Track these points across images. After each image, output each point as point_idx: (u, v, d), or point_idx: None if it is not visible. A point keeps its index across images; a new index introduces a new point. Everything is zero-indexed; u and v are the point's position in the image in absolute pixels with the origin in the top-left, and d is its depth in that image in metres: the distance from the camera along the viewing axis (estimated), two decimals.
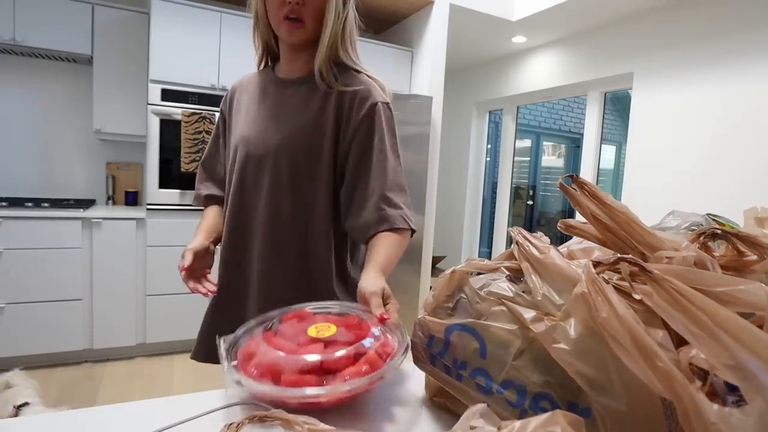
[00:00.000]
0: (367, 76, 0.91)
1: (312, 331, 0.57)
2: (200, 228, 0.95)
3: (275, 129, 0.88)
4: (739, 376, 0.30)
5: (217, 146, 1.04)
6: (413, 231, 0.87)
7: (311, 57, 0.88)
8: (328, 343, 0.55)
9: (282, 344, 0.56)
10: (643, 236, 0.48)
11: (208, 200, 1.03)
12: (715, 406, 0.29)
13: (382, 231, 0.83)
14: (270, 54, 0.97)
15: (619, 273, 0.40)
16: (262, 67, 0.99)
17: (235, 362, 0.55)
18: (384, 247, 0.80)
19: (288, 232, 0.88)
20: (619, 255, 0.40)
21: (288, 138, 0.87)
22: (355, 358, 0.53)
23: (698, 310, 0.33)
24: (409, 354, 0.59)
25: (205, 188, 1.03)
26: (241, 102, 0.97)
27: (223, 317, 0.94)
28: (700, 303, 0.33)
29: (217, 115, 1.01)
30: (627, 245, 0.49)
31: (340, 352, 0.53)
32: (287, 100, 0.90)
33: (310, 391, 0.48)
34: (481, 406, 0.38)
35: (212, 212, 1.00)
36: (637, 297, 0.37)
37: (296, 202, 0.87)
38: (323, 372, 0.51)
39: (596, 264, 0.39)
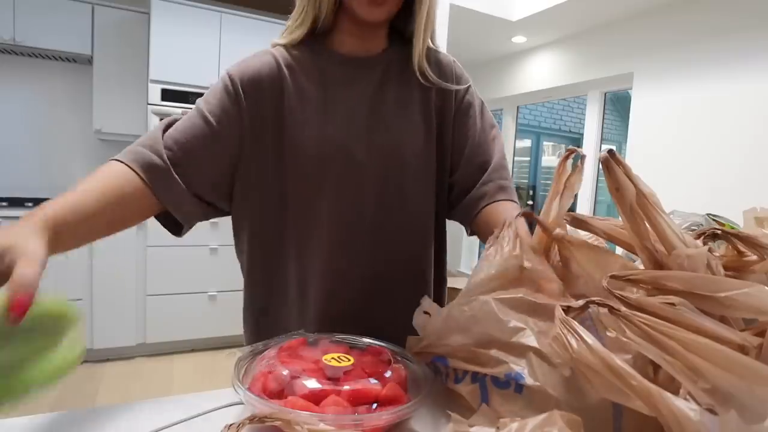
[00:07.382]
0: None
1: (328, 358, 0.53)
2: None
3: (380, 128, 0.73)
4: (716, 398, 0.32)
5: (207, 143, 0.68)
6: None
7: (385, 31, 0.76)
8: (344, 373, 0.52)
9: (295, 365, 0.52)
10: (665, 233, 0.47)
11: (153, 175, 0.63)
12: (695, 416, 0.31)
13: (501, 200, 0.75)
14: (315, 24, 0.73)
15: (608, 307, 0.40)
16: (294, 40, 0.74)
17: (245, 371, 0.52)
18: (507, 212, 0.71)
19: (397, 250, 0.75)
20: (587, 299, 0.41)
21: (398, 138, 0.74)
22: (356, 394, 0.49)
23: (669, 339, 0.34)
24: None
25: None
26: (300, 88, 0.72)
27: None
28: (671, 332, 0.35)
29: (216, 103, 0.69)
30: (646, 241, 0.47)
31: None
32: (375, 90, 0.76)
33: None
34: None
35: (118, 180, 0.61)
36: (611, 335, 0.39)
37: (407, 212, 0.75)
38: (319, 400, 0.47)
39: (566, 309, 0.41)
